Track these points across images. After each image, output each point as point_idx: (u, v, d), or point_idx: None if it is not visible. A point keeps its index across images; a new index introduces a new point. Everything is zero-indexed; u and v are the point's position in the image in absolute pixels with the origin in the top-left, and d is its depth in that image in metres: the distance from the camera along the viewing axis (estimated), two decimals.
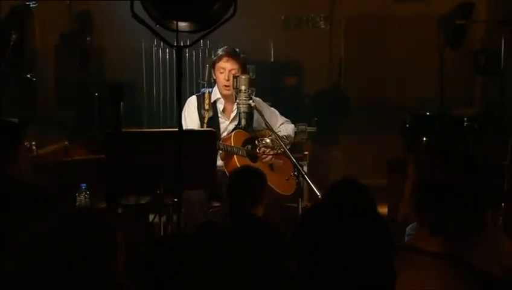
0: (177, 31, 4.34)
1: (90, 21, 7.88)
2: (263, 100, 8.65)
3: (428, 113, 7.79)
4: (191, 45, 4.63)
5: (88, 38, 7.81)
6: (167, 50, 8.40)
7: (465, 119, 7.61)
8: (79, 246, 2.08)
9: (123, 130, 4.66)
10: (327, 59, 9.20)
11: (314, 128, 8.50)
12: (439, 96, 7.93)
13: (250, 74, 8.77)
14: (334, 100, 9.15)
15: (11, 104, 7.29)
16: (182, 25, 4.40)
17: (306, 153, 7.89)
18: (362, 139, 9.00)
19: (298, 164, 5.27)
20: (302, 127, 8.31)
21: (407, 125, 7.72)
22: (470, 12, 7.67)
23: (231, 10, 4.35)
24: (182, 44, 4.72)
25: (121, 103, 4.11)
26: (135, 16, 4.26)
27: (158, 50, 8.41)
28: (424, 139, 7.63)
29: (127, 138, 4.54)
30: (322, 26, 9.31)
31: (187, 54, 8.43)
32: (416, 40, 9.09)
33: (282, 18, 9.35)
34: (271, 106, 8.42)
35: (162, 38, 4.43)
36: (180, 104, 4.36)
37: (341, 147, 9.07)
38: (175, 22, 4.33)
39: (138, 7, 4.30)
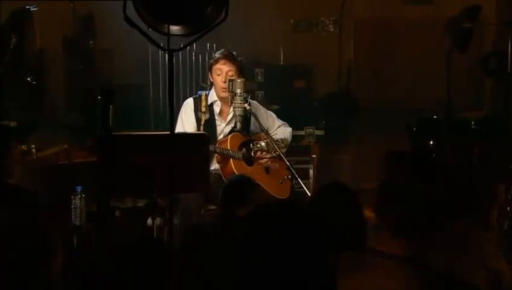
0: (168, 34, 4.36)
1: (93, 24, 7.90)
2: (272, 103, 8.69)
3: (434, 117, 7.76)
4: (182, 48, 4.64)
5: (91, 42, 7.84)
6: (173, 53, 8.38)
7: (473, 122, 7.57)
8: (19, 246, 2.11)
9: (121, 133, 4.73)
10: (336, 62, 9.18)
11: (323, 131, 8.50)
12: (448, 99, 7.90)
13: (259, 77, 8.84)
14: (343, 103, 9.13)
15: (13, 107, 7.32)
16: (174, 28, 4.42)
17: (314, 156, 7.89)
18: (371, 142, 8.97)
19: (292, 167, 5.27)
20: (310, 130, 8.34)
21: (414, 129, 7.69)
22: (476, 15, 7.62)
23: (223, 13, 4.38)
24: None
25: (111, 106, 4.12)
26: (127, 20, 4.30)
27: (164, 53, 8.40)
28: (431, 142, 7.60)
29: (120, 141, 4.57)
30: (331, 30, 9.30)
31: (193, 58, 8.45)
32: (425, 43, 9.06)
33: (292, 22, 9.36)
34: (279, 109, 8.43)
35: (153, 42, 4.46)
36: (172, 107, 4.40)
37: (350, 150, 9.05)
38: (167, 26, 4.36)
39: (131, 11, 4.34)
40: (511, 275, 3.92)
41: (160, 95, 8.36)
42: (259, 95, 8.76)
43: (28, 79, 7.04)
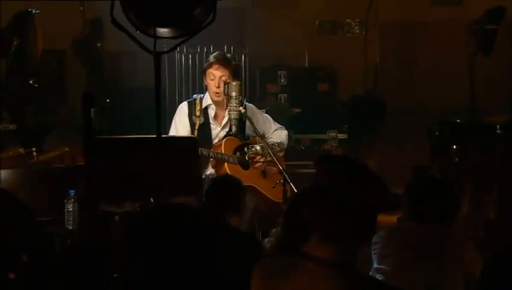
0: (154, 36, 4.31)
1: (101, 27, 7.88)
2: (295, 106, 8.60)
3: (458, 120, 7.61)
4: (169, 51, 4.59)
5: (99, 44, 7.84)
6: (190, 55, 8.37)
7: (498, 126, 7.41)
8: None
9: (108, 137, 4.69)
10: (362, 65, 9.06)
11: (346, 135, 8.38)
12: (471, 103, 7.75)
13: (282, 80, 8.76)
14: (369, 106, 9.00)
15: (26, 109, 7.34)
16: (162, 31, 4.37)
17: None
18: (397, 146, 8.83)
19: (285, 171, 5.18)
20: (332, 133, 8.23)
21: (437, 133, 7.56)
22: (500, 17, 7.45)
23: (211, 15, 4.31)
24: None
25: (92, 110, 4.10)
26: (114, 22, 4.24)
27: (181, 56, 8.37)
28: (454, 146, 7.46)
29: (108, 144, 4.54)
30: (357, 32, 9.19)
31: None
32: (453, 45, 8.88)
33: (317, 23, 9.27)
34: (300, 113, 8.31)
35: (140, 45, 4.39)
36: (158, 110, 4.34)
37: (375, 153, 8.91)
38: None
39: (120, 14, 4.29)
40: None
41: (176, 98, 8.31)
42: (282, 97, 8.68)
43: (31, 81, 7.06)
